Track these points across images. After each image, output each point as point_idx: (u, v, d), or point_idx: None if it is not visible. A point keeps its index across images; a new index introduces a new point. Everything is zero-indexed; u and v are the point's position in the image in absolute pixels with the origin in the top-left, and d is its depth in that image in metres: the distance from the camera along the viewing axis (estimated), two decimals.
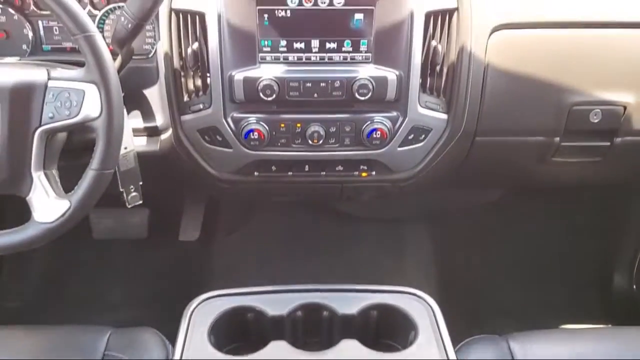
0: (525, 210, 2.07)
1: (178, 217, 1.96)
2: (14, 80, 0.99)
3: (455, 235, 2.10)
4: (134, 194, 1.27)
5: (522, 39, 1.25)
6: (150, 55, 1.33)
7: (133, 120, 1.28)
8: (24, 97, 0.99)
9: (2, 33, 1.35)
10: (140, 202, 1.29)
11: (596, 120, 1.31)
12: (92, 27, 0.97)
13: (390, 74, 1.21)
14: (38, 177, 1.02)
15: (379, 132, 1.24)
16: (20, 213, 1.09)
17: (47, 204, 1.03)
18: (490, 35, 1.23)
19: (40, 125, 1.00)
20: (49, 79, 1.00)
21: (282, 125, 1.25)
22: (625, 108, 1.30)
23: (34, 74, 1.01)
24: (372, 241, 2.10)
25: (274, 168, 1.33)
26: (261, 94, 1.20)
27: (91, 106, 0.98)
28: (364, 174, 1.34)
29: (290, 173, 1.34)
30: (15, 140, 0.99)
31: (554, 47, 1.25)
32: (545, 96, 1.29)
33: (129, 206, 1.28)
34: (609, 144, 1.37)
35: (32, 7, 1.33)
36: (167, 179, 1.50)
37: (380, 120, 1.25)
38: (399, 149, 1.29)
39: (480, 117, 1.28)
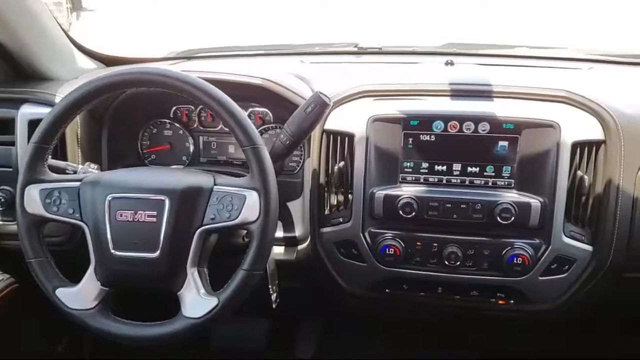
0: None
1: (295, 332, 1.94)
2: (185, 183, 1.09)
3: None
4: (274, 294, 1.31)
5: None
6: (295, 172, 1.44)
7: None
8: (191, 199, 1.08)
9: (168, 145, 1.53)
10: (278, 301, 1.34)
11: None
12: (260, 140, 1.07)
13: (534, 201, 1.20)
14: (192, 274, 1.09)
15: (520, 259, 1.21)
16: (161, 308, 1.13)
17: (197, 300, 1.08)
18: (639, 170, 1.19)
19: (201, 225, 1.08)
20: (214, 184, 1.10)
21: (419, 243, 1.26)
22: None
23: (202, 179, 1.11)
24: None
25: (405, 287, 1.32)
26: (400, 212, 1.23)
27: (250, 211, 1.06)
28: (500, 302, 1.29)
29: (422, 293, 1.32)
30: (178, 237, 1.08)
31: None
32: None
33: (275, 306, 1.32)
34: None
35: (197, 124, 1.51)
36: (294, 289, 1.53)
37: (521, 246, 1.22)
38: (541, 278, 1.24)
39: (628, 252, 1.21)
